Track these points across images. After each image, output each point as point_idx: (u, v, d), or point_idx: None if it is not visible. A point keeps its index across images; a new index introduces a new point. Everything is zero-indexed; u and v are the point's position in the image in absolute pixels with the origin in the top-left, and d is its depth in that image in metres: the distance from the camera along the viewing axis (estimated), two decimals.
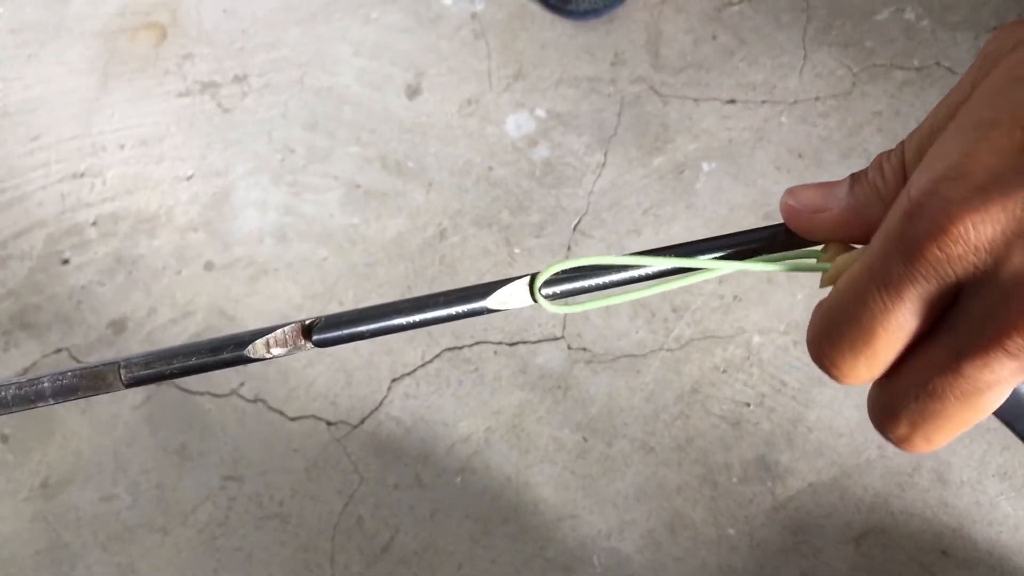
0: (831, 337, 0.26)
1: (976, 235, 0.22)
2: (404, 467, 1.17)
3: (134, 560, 1.17)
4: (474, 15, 1.34)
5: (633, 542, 1.13)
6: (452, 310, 0.30)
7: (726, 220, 1.22)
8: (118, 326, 1.25)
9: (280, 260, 1.26)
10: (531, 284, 0.30)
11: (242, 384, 1.21)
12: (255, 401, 1.21)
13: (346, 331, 0.31)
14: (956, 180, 0.22)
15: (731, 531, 1.12)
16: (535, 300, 0.30)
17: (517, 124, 1.29)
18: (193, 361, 0.31)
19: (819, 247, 0.30)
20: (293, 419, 1.20)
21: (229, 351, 0.31)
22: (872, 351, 0.25)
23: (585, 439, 1.16)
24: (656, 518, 1.13)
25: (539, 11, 1.33)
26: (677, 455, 1.15)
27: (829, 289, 0.29)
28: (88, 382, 0.31)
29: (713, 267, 0.29)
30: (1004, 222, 0.22)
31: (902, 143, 0.27)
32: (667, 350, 1.18)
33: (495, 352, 1.20)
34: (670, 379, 1.17)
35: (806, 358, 1.17)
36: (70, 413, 1.22)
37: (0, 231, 1.30)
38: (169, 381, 1.21)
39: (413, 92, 1.32)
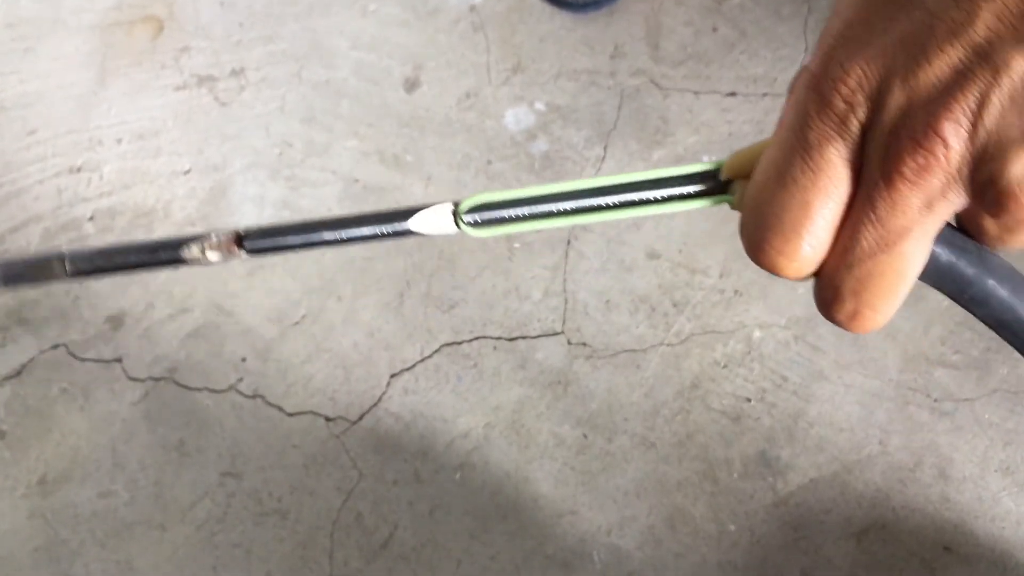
0: (770, 224, 0.27)
1: (865, 82, 0.25)
2: (403, 463, 1.17)
3: (132, 557, 1.17)
4: (472, 8, 1.33)
5: (633, 538, 1.13)
6: (376, 229, 0.31)
7: (727, 214, 1.21)
8: (115, 321, 1.24)
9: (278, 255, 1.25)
10: (455, 210, 0.31)
11: (240, 380, 1.21)
12: (253, 397, 1.20)
13: (276, 241, 0.32)
14: (843, 44, 0.25)
15: (731, 527, 1.12)
16: (458, 227, 0.31)
17: (516, 118, 1.28)
18: (133, 259, 0.32)
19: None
20: (291, 415, 1.19)
21: (167, 252, 0.33)
22: (812, 223, 0.26)
23: (585, 435, 1.16)
24: (656, 514, 1.13)
25: (538, 4, 1.32)
26: (677, 451, 1.15)
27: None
28: (34, 271, 0.33)
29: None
30: (882, 67, 0.24)
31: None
32: (667, 345, 1.17)
33: (494, 347, 1.19)
34: (670, 374, 1.17)
35: (808, 353, 1.16)
36: (68, 410, 1.22)
37: None
38: (169, 380, 1.21)
39: (411, 86, 1.31)
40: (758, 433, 1.14)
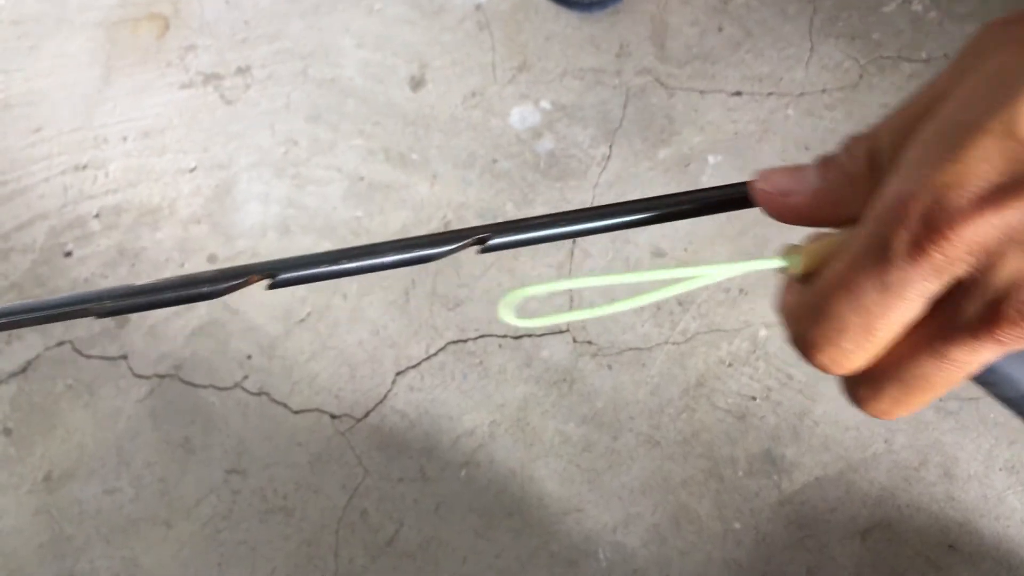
0: (829, 336, 0.27)
1: (975, 240, 0.23)
2: (408, 460, 1.17)
3: (137, 554, 1.17)
4: (478, 6, 1.33)
5: (638, 536, 1.13)
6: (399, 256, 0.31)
7: (732, 213, 1.21)
8: (121, 319, 1.24)
9: (283, 253, 1.25)
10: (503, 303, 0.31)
11: (246, 377, 1.21)
12: (259, 394, 1.20)
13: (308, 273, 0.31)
14: (955, 188, 0.23)
15: (737, 525, 1.12)
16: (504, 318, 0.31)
17: (521, 116, 1.28)
18: (169, 296, 0.31)
19: (780, 260, 0.30)
20: (297, 412, 1.19)
21: (208, 286, 0.31)
22: (873, 347, 0.26)
23: (590, 433, 1.16)
24: (661, 512, 1.13)
25: (543, 2, 1.33)
26: (682, 449, 1.15)
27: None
28: (64, 314, 0.32)
29: (693, 275, 0.30)
30: (1000, 228, 0.23)
31: (875, 127, 0.27)
32: (672, 343, 1.17)
33: (500, 345, 1.19)
34: (675, 373, 1.17)
35: None
36: (73, 407, 1.22)
37: (2, 224, 1.30)
38: (174, 377, 1.21)
39: (417, 84, 1.31)
40: (763, 431, 1.14)
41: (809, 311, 0.27)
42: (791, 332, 0.28)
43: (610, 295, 1.20)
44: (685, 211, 0.31)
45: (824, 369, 0.27)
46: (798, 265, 0.29)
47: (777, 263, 0.29)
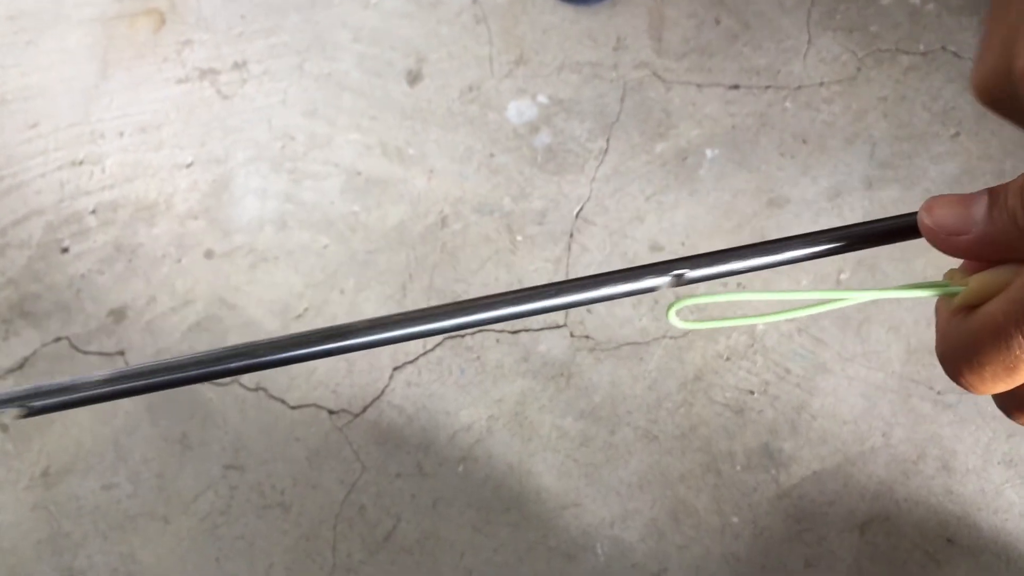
0: (972, 367, 0.28)
1: None
2: (406, 456, 1.17)
3: (135, 549, 1.17)
4: (475, 0, 1.33)
5: (636, 530, 1.13)
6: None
7: (729, 207, 1.21)
8: (118, 314, 1.24)
9: (280, 248, 1.25)
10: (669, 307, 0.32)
11: None
12: (256, 390, 1.20)
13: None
14: None
15: (735, 519, 1.12)
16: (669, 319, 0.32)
17: (519, 110, 1.28)
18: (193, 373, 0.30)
19: (946, 281, 0.32)
20: (294, 408, 1.19)
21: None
22: (1012, 381, 0.28)
23: (588, 428, 1.16)
24: (659, 506, 1.13)
25: None
26: (680, 443, 1.15)
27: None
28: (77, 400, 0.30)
29: (850, 297, 0.32)
30: None
31: None
32: (670, 338, 1.17)
33: (497, 340, 1.19)
34: (673, 367, 1.17)
35: (811, 346, 1.16)
36: None
37: None
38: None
39: (413, 78, 1.31)
40: (761, 425, 1.14)
41: (958, 340, 0.29)
42: (941, 350, 0.30)
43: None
44: (855, 244, 0.32)
45: (964, 388, 0.29)
46: (960, 297, 0.30)
47: (940, 291, 0.31)
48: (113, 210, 1.29)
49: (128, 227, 1.28)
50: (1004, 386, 0.28)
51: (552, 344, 1.18)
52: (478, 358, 1.19)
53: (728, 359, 1.16)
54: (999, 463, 1.11)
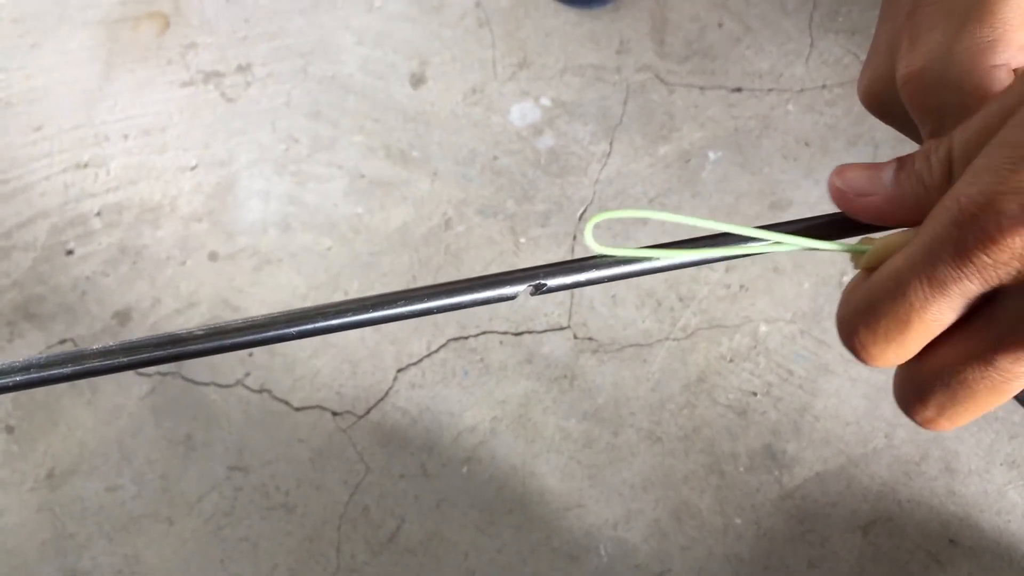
0: (867, 321, 0.28)
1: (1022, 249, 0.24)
2: (410, 457, 1.17)
3: (139, 551, 1.17)
4: (478, 3, 1.34)
5: (639, 531, 1.13)
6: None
7: (732, 209, 1.21)
8: (123, 316, 1.25)
9: (284, 250, 1.26)
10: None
11: (247, 374, 1.21)
12: (260, 391, 1.20)
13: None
14: (1008, 195, 0.24)
15: (738, 520, 1.12)
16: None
17: (522, 113, 1.28)
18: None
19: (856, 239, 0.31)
20: (298, 409, 1.20)
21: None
22: (905, 339, 0.27)
23: (591, 429, 1.16)
24: (662, 507, 1.13)
25: None
26: (683, 444, 1.15)
27: (854, 273, 0.30)
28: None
29: (758, 236, 0.31)
30: None
31: (950, 136, 0.28)
32: (673, 339, 1.18)
33: (500, 342, 1.20)
34: (676, 368, 1.17)
35: (814, 347, 1.16)
36: (75, 404, 1.22)
37: (4, 222, 1.30)
38: (176, 374, 1.21)
39: (417, 81, 1.32)
40: (764, 427, 1.14)
41: (857, 297, 0.28)
42: (838, 314, 0.29)
43: (610, 292, 1.20)
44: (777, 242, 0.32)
45: (855, 353, 0.28)
46: (864, 257, 0.30)
47: (848, 248, 0.30)
48: (118, 212, 1.29)
49: (132, 229, 1.28)
50: (897, 347, 0.27)
51: (556, 346, 1.19)
52: (482, 360, 1.19)
53: (731, 361, 1.16)
54: (1001, 464, 1.11)
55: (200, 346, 0.30)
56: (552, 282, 0.31)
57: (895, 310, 0.27)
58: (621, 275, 0.31)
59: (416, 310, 0.31)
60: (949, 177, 0.28)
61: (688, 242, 0.32)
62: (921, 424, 0.29)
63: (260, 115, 1.32)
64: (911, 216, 0.29)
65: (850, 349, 0.28)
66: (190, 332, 0.30)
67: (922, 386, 0.28)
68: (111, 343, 0.30)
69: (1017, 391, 0.27)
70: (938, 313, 0.26)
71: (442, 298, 0.31)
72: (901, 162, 0.29)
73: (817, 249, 0.31)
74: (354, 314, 0.30)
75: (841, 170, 0.31)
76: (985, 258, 0.24)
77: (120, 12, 1.39)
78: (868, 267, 0.29)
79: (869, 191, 0.30)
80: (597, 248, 0.31)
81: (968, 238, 0.25)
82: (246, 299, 1.24)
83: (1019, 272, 0.25)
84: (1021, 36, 0.29)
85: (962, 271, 0.25)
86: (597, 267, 0.31)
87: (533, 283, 0.31)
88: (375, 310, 0.31)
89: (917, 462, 1.12)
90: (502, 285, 0.31)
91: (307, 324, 0.30)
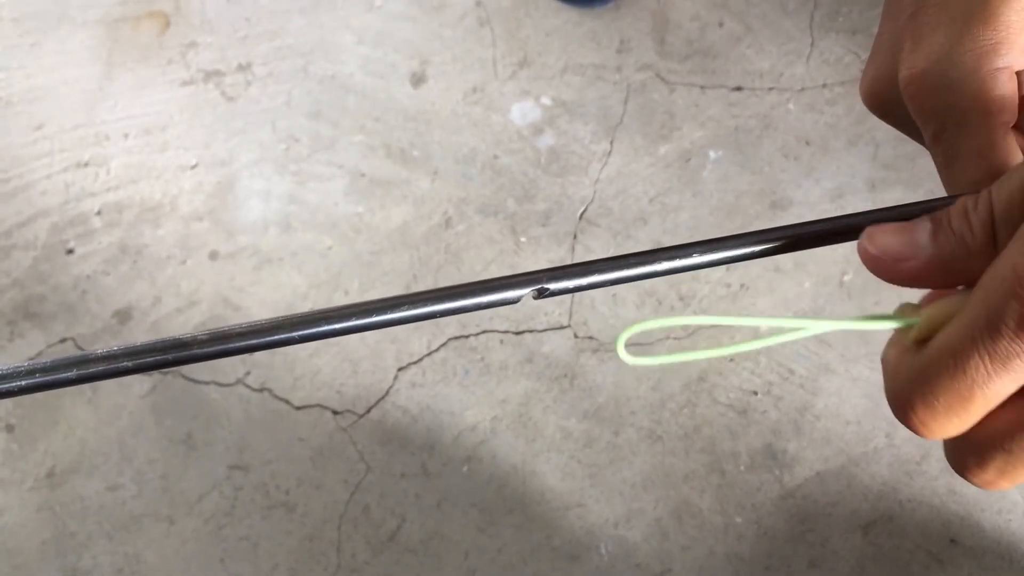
0: (925, 398, 0.27)
1: None
2: (410, 456, 1.17)
3: (140, 550, 1.17)
4: (478, 2, 1.34)
5: (640, 530, 1.13)
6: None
7: (733, 208, 1.21)
8: (123, 315, 1.25)
9: (285, 249, 1.26)
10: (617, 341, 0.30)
11: (248, 373, 1.21)
12: (261, 390, 1.20)
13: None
14: None
15: (738, 519, 1.12)
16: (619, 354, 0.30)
17: (522, 112, 1.28)
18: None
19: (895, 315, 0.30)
20: (299, 408, 1.20)
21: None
22: (968, 414, 0.26)
23: (592, 428, 1.16)
24: (663, 506, 1.13)
25: None
26: (684, 443, 1.15)
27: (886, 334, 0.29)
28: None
29: (806, 326, 0.30)
30: None
31: (988, 191, 0.27)
32: (674, 339, 1.18)
33: (501, 341, 1.20)
34: (676, 367, 1.17)
35: (814, 347, 1.16)
36: (75, 403, 1.22)
37: (4, 221, 1.30)
38: (176, 373, 1.21)
39: (417, 80, 1.32)
40: (765, 426, 1.14)
41: (911, 372, 0.27)
42: (892, 388, 0.28)
43: (611, 291, 1.20)
44: (790, 245, 0.31)
45: (913, 429, 0.27)
46: (915, 330, 0.29)
47: (895, 324, 0.29)
48: (118, 211, 1.29)
49: (133, 228, 1.28)
50: (957, 422, 0.27)
51: (556, 345, 1.19)
52: (482, 359, 1.19)
53: (732, 360, 1.16)
54: None
55: (204, 351, 0.30)
56: (555, 286, 0.30)
57: (955, 387, 0.26)
58: (624, 279, 0.31)
59: (419, 314, 0.31)
60: (993, 238, 0.27)
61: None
62: (980, 486, 0.28)
63: (260, 114, 1.32)
64: (953, 279, 0.28)
65: (906, 424, 0.27)
66: (194, 337, 0.30)
67: (980, 451, 0.27)
68: (115, 347, 0.30)
69: None
70: (1002, 387, 0.25)
71: (446, 302, 0.31)
72: (936, 221, 0.28)
73: (868, 330, 0.30)
74: (357, 319, 0.30)
75: (872, 234, 0.29)
76: None
77: (120, 11, 1.39)
78: (919, 339, 0.28)
79: (907, 256, 0.28)
80: (631, 361, 0.30)
81: None
82: (247, 298, 1.24)
83: None
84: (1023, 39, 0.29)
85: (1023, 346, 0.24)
86: (600, 271, 0.31)
87: (536, 287, 0.30)
88: (378, 314, 0.30)
89: (918, 461, 1.12)
90: (505, 289, 0.30)
91: (310, 329, 0.30)
